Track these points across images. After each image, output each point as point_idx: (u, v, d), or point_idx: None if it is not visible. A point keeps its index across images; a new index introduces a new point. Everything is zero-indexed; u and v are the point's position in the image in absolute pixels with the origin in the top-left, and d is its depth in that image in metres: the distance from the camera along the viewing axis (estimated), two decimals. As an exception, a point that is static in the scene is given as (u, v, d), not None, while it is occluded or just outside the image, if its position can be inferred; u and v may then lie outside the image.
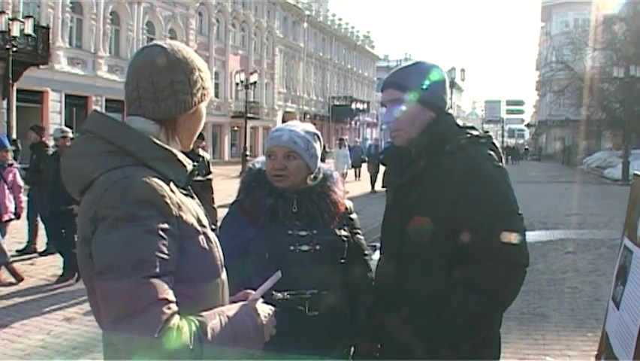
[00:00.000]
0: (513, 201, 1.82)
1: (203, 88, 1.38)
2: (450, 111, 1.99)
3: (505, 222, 1.78)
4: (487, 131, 1.98)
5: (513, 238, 1.77)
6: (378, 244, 2.19)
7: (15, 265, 6.72)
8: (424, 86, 1.90)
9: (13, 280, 6.42)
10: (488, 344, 1.89)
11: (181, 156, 1.32)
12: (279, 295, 1.86)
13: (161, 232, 1.18)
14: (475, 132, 1.92)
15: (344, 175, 18.79)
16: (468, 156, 1.82)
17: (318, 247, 2.00)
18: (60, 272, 6.64)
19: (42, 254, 7.78)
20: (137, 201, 1.18)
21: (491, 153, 1.87)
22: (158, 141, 1.29)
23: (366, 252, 2.20)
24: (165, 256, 1.17)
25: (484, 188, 1.79)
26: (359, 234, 2.18)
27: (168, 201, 1.22)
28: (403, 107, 1.91)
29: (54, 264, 7.08)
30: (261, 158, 2.18)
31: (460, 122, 1.98)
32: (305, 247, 1.99)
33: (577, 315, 5.32)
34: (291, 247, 1.98)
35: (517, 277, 1.79)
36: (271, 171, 2.05)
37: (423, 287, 1.84)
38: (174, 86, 1.31)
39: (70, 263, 6.48)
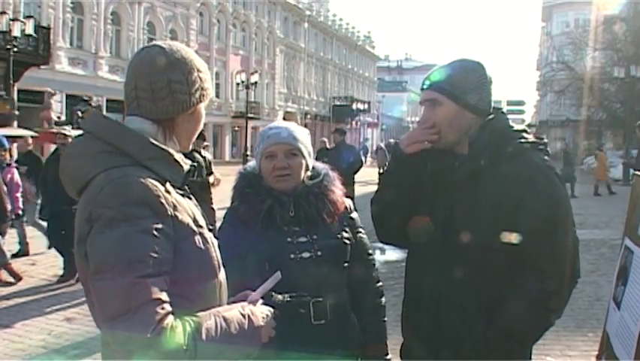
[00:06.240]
0: (571, 213, 1.79)
1: (202, 88, 1.37)
2: (504, 110, 1.91)
3: (567, 234, 1.74)
4: (542, 138, 1.90)
5: (571, 250, 1.75)
6: (379, 245, 2.15)
7: (16, 265, 6.72)
8: (465, 88, 1.82)
9: (12, 280, 6.42)
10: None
11: (177, 156, 1.32)
12: (280, 297, 1.76)
13: (155, 232, 1.17)
14: (530, 137, 1.85)
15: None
16: (531, 162, 1.77)
17: (319, 253, 1.89)
18: (61, 272, 6.63)
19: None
20: (132, 201, 1.17)
21: (547, 159, 1.83)
22: (154, 141, 1.29)
23: (369, 251, 2.11)
24: (159, 256, 1.16)
25: (547, 198, 1.73)
26: (361, 233, 2.08)
27: (163, 201, 1.21)
28: (440, 109, 1.82)
29: (55, 264, 7.07)
30: (251, 163, 2.07)
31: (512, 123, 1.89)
32: (306, 254, 1.88)
33: (577, 315, 5.30)
34: (292, 255, 1.87)
35: (570, 289, 1.77)
36: (272, 172, 1.92)
37: (471, 293, 1.76)
38: (172, 86, 1.31)
39: (71, 263, 6.48)
